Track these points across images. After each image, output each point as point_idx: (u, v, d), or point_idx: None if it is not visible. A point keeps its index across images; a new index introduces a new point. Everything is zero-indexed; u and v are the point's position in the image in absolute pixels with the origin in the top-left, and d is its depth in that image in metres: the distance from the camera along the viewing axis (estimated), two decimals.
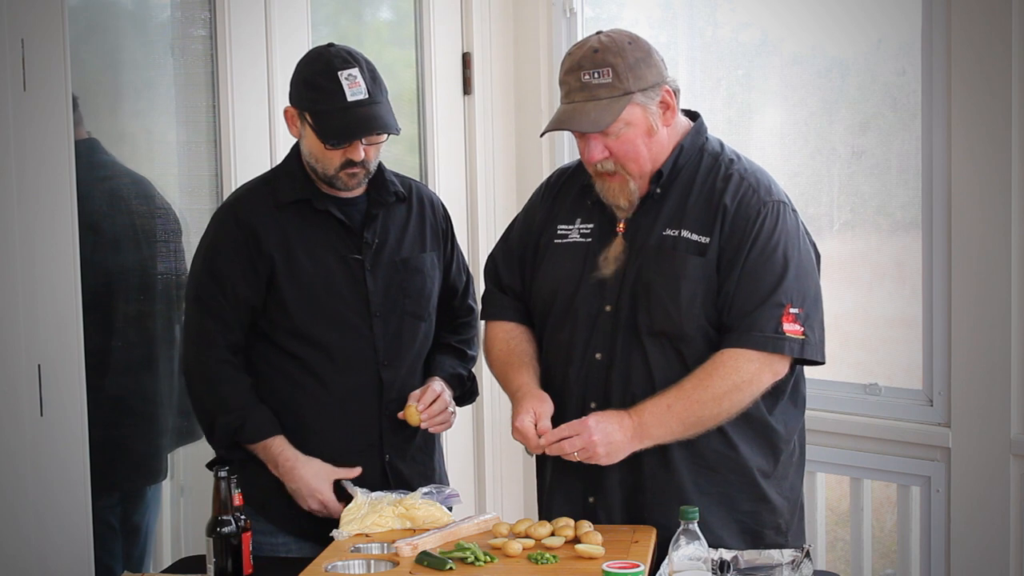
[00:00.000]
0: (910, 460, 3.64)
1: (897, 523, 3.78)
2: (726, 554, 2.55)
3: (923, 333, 3.61)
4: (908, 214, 3.76)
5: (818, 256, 2.84)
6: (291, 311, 2.90)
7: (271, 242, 2.89)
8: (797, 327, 2.68)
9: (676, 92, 2.76)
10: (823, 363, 2.76)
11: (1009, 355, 3.41)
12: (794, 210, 2.79)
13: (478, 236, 4.35)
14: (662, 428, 2.67)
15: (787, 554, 2.55)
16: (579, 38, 4.29)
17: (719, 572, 2.50)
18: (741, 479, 2.75)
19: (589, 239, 2.82)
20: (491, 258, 3.02)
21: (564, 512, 2.75)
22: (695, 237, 2.72)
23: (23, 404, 3.08)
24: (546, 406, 2.76)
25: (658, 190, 2.77)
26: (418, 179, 4.20)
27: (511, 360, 2.89)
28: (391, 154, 4.18)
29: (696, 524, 2.34)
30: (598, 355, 2.78)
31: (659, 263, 2.73)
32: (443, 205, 3.16)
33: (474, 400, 3.17)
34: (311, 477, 2.87)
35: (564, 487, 2.83)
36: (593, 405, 2.77)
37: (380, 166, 2.98)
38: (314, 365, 2.92)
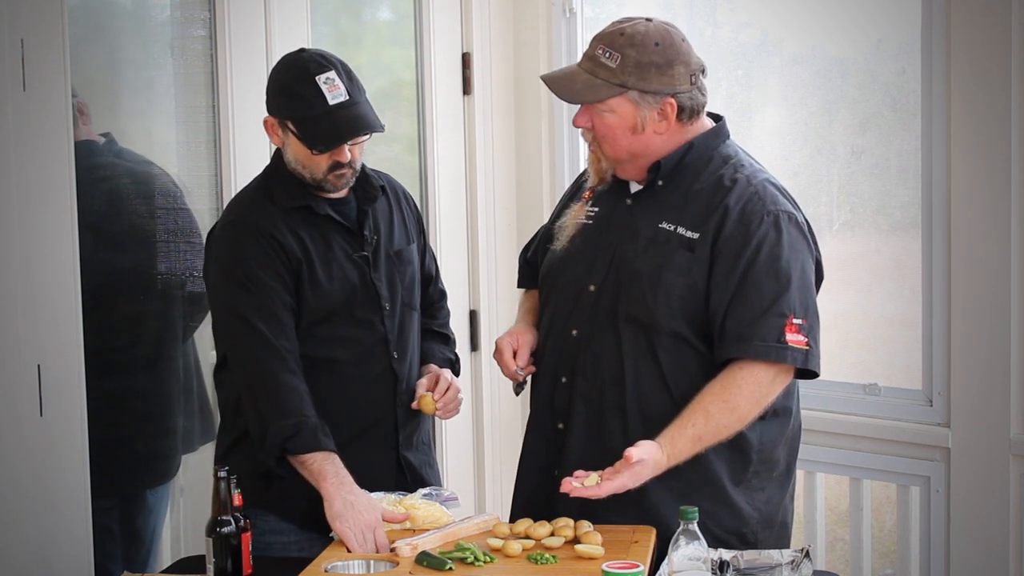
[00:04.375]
0: (910, 460, 3.63)
1: (897, 523, 3.78)
2: (726, 554, 2.55)
3: (923, 333, 3.61)
4: (908, 214, 3.76)
5: (821, 275, 2.81)
6: (312, 313, 2.90)
7: (294, 248, 2.88)
8: (801, 337, 2.66)
9: (684, 109, 2.73)
10: (818, 375, 2.74)
11: (1009, 355, 3.41)
12: (802, 223, 2.76)
13: (478, 236, 4.35)
14: (687, 455, 2.67)
15: (787, 554, 2.55)
16: (578, 38, 4.30)
17: (719, 572, 2.50)
18: (704, 480, 2.73)
19: (590, 221, 2.86)
20: (536, 233, 3.15)
21: (527, 501, 2.82)
22: (689, 234, 2.72)
23: (23, 404, 3.08)
24: (527, 336, 2.91)
25: (659, 182, 2.78)
26: (418, 180, 4.22)
27: (527, 306, 3.03)
28: (391, 154, 4.19)
29: (696, 524, 2.33)
30: (574, 331, 2.81)
31: (648, 253, 2.74)
32: (410, 194, 3.19)
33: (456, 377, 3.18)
34: (371, 499, 2.77)
35: (528, 472, 2.88)
36: (564, 380, 2.81)
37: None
38: (332, 364, 2.92)
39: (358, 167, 2.93)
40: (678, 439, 2.65)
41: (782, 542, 2.84)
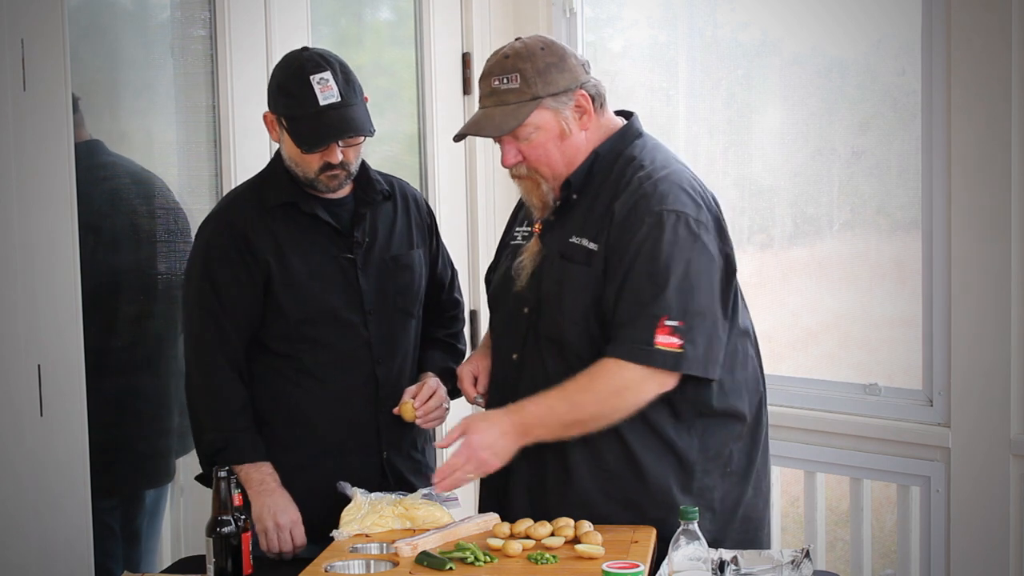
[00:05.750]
0: (910, 460, 3.63)
1: (897, 523, 3.78)
2: (726, 554, 2.55)
3: (923, 333, 3.61)
4: (908, 214, 3.76)
5: (731, 270, 2.75)
6: (287, 314, 2.91)
7: (264, 247, 2.90)
8: (674, 340, 2.62)
9: (595, 96, 2.76)
10: (713, 378, 2.69)
11: (1009, 355, 3.41)
12: (699, 221, 2.69)
13: (478, 236, 4.35)
14: (543, 428, 2.69)
15: (787, 554, 2.55)
16: (579, 38, 4.31)
17: (719, 572, 2.50)
18: (645, 487, 2.72)
19: (526, 242, 2.86)
20: None
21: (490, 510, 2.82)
22: (591, 246, 2.72)
23: (23, 404, 3.08)
24: (486, 362, 2.95)
25: (574, 196, 2.77)
26: (418, 179, 4.22)
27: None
28: (391, 154, 4.19)
29: (696, 524, 2.34)
30: (514, 355, 2.82)
31: (557, 271, 2.75)
32: (426, 201, 3.19)
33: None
34: (290, 502, 2.87)
35: (485, 487, 2.90)
36: (510, 404, 2.80)
37: (364, 165, 2.99)
38: (311, 366, 2.93)
39: (353, 169, 2.93)
40: (528, 403, 2.68)
41: (751, 536, 2.82)
